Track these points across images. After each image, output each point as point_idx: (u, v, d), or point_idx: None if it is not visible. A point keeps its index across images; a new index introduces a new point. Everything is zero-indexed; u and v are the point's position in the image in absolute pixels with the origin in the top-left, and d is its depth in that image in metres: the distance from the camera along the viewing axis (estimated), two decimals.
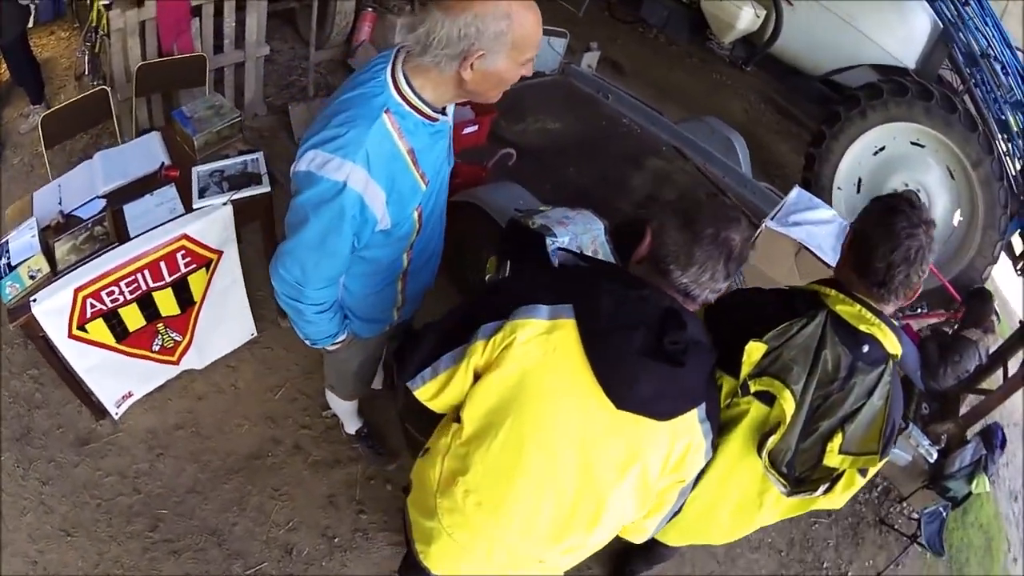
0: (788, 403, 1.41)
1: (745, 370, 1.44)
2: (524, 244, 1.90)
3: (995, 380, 3.56)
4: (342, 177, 1.33)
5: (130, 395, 2.45)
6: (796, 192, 3.08)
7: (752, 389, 1.46)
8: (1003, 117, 4.10)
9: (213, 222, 2.15)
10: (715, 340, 1.33)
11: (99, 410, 2.43)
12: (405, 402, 2.00)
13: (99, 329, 2.10)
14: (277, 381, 2.79)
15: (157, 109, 3.39)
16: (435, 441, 1.52)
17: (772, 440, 1.44)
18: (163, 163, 2.21)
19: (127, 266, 2.01)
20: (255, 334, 2.80)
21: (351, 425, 2.61)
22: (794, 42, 4.89)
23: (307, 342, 1.73)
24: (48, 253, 1.99)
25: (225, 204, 2.14)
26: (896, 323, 1.44)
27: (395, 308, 1.82)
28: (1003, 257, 4.57)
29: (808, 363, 1.42)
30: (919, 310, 4.49)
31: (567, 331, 1.23)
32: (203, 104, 2.33)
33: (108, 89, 2.78)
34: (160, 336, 2.33)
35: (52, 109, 2.76)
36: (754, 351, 1.42)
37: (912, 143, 4.44)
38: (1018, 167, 4.19)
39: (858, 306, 1.42)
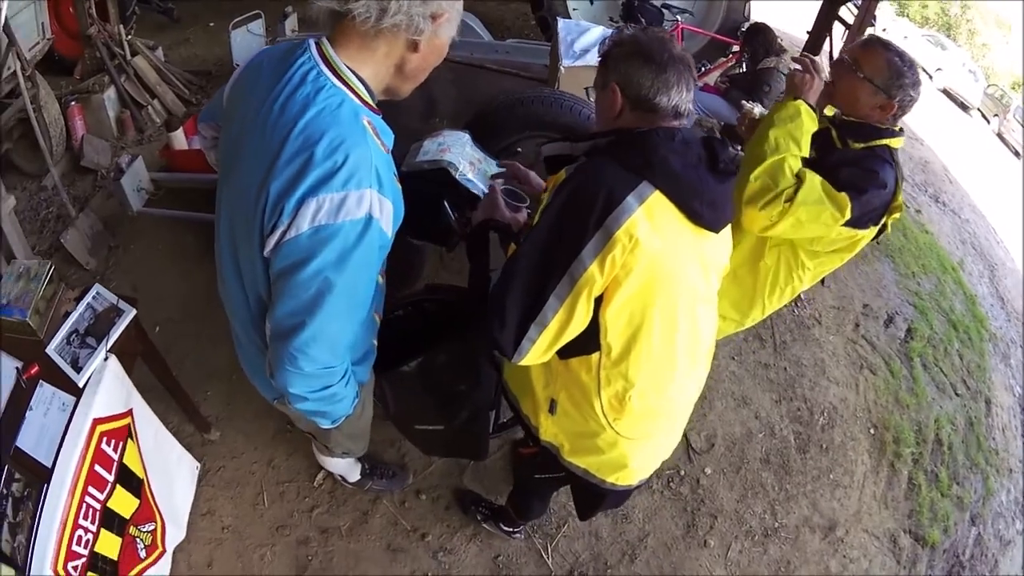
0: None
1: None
2: (434, 183, 1.89)
3: None
4: (364, 211, 1.09)
5: None
6: (562, 24, 3.17)
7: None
8: None
9: (109, 386, 1.83)
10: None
11: None
12: (396, 407, 1.95)
13: None
14: (254, 491, 2.54)
15: None
16: (568, 384, 1.51)
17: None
18: (16, 368, 1.83)
19: (72, 501, 1.69)
20: (199, 465, 2.52)
21: (354, 473, 2.46)
22: None
23: (326, 424, 1.47)
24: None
25: (107, 359, 1.83)
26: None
27: (374, 337, 1.58)
28: None
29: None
30: (702, 68, 4.88)
31: (656, 201, 1.28)
32: (11, 280, 1.90)
33: None
34: (139, 539, 2.03)
35: None
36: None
37: None
38: None
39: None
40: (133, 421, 2.00)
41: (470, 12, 4.05)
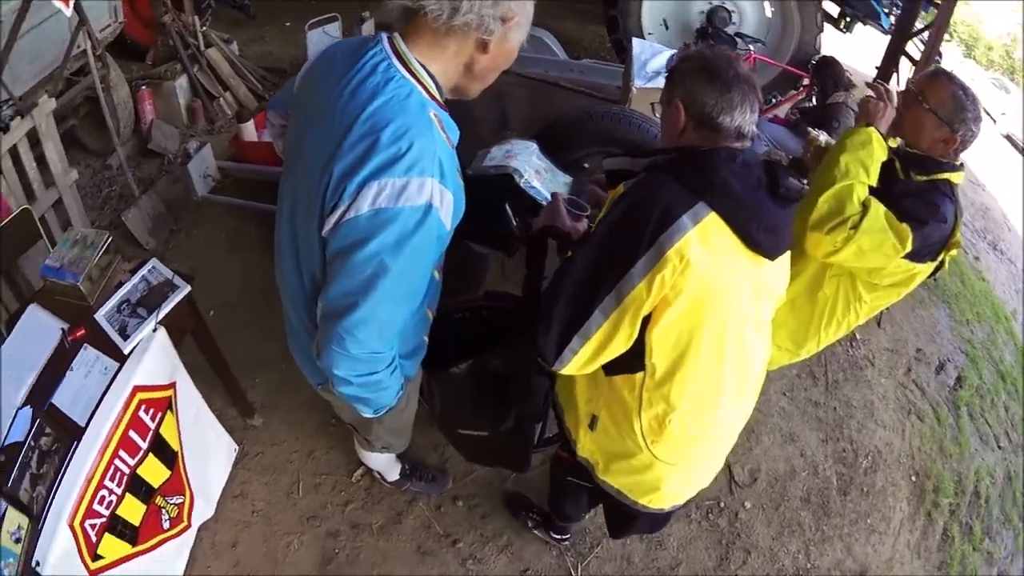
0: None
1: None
2: (498, 187, 1.92)
3: None
4: (424, 199, 1.11)
5: None
6: (636, 44, 3.18)
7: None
8: None
9: (155, 356, 1.87)
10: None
11: None
12: (442, 409, 1.95)
13: (112, 545, 1.82)
14: (290, 479, 2.57)
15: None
16: (611, 401, 1.50)
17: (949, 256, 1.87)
18: (62, 329, 1.89)
19: (100, 460, 1.72)
20: (237, 448, 2.55)
21: (393, 472, 2.46)
22: None
23: (368, 412, 1.47)
24: (14, 502, 1.66)
25: (156, 330, 1.88)
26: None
27: (425, 333, 1.59)
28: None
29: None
30: (772, 100, 4.82)
31: (712, 223, 1.26)
32: (66, 246, 1.95)
33: None
34: (164, 510, 2.05)
35: None
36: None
37: None
38: None
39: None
40: (175, 394, 2.03)
41: (547, 30, 4.10)
